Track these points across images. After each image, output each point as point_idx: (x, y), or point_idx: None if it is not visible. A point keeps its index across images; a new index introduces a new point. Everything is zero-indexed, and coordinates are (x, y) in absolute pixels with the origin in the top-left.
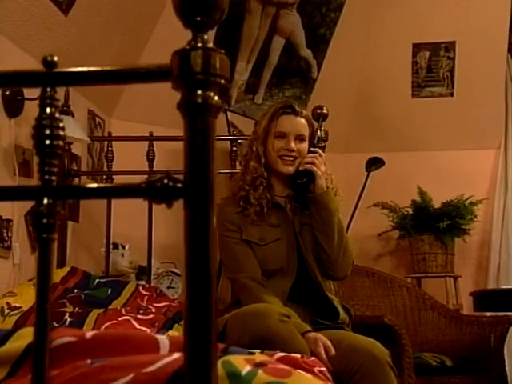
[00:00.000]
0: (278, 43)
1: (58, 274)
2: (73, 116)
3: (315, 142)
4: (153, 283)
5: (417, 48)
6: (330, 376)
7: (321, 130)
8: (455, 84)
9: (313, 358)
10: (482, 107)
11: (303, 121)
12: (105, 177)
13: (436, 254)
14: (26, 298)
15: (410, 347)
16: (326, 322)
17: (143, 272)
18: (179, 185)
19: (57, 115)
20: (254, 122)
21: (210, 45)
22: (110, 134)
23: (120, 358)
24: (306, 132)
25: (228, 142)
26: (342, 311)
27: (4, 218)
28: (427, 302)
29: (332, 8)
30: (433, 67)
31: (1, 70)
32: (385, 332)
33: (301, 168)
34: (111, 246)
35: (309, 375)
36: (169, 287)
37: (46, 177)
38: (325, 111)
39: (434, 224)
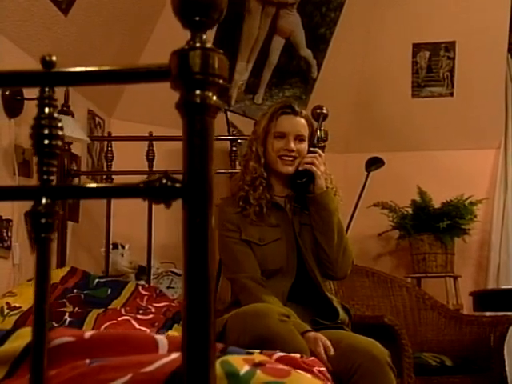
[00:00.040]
0: (278, 43)
1: (57, 274)
2: (73, 116)
3: (315, 141)
4: (152, 283)
5: (417, 48)
6: (329, 376)
7: (320, 130)
8: (455, 84)
9: (312, 358)
10: (482, 107)
11: (303, 121)
12: (104, 177)
13: (436, 254)
14: (26, 298)
15: (410, 347)
16: (326, 321)
17: (143, 272)
18: (178, 185)
19: (55, 115)
20: (253, 121)
21: (209, 45)
22: (109, 133)
23: (118, 357)
24: (306, 132)
25: (228, 141)
26: (341, 311)
27: (4, 217)
28: (427, 301)
29: (332, 8)
30: (433, 67)
31: None
32: (385, 332)
33: (300, 168)
34: (111, 246)
35: (308, 375)
36: (168, 287)
37: (45, 177)
38: (325, 111)
39: (434, 224)
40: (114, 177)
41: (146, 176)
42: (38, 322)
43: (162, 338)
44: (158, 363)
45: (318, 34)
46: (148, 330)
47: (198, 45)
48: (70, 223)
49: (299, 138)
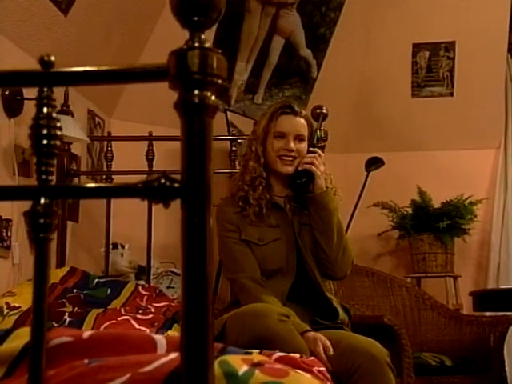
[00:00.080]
0: (278, 43)
1: (57, 274)
2: (72, 116)
3: (314, 141)
4: (152, 283)
5: (417, 48)
6: (328, 376)
7: (320, 130)
8: (455, 84)
9: (312, 358)
10: (482, 107)
11: (302, 121)
12: (104, 177)
13: (436, 254)
14: (26, 298)
15: (410, 347)
16: (325, 321)
17: (143, 272)
18: (176, 185)
19: (54, 115)
20: (253, 121)
21: (207, 44)
22: (109, 133)
23: (117, 357)
24: (306, 132)
25: (228, 141)
26: (341, 311)
27: (3, 217)
28: (427, 301)
29: (332, 8)
30: (433, 67)
31: None
32: (384, 332)
33: (300, 168)
34: (111, 246)
35: (307, 375)
36: (168, 287)
37: (44, 176)
38: (324, 111)
39: (434, 224)
40: (113, 177)
41: (145, 176)
42: (37, 322)
43: (160, 338)
44: (156, 363)
45: (317, 34)
46: (148, 330)
47: (196, 45)
48: (69, 223)
49: (299, 138)
